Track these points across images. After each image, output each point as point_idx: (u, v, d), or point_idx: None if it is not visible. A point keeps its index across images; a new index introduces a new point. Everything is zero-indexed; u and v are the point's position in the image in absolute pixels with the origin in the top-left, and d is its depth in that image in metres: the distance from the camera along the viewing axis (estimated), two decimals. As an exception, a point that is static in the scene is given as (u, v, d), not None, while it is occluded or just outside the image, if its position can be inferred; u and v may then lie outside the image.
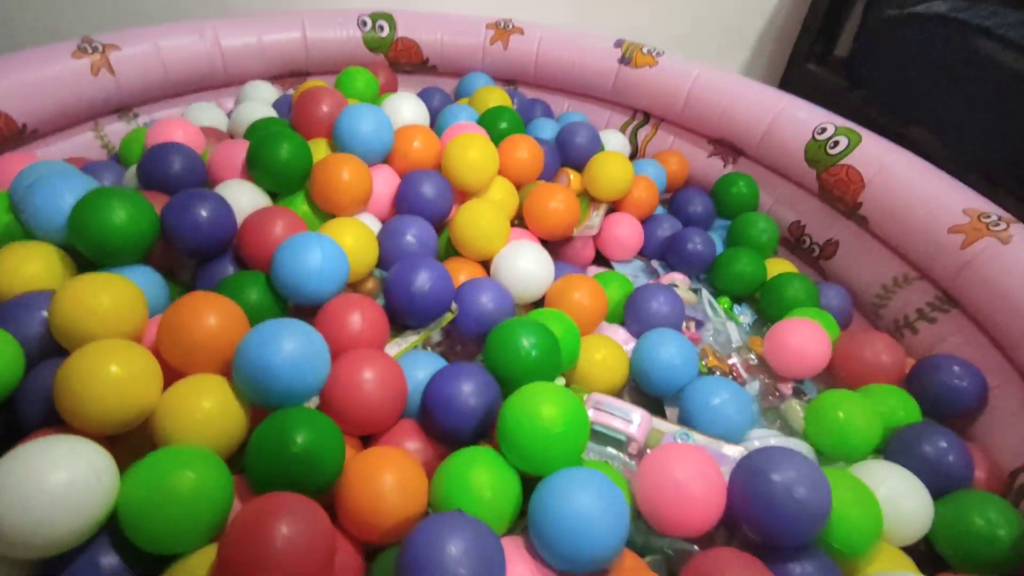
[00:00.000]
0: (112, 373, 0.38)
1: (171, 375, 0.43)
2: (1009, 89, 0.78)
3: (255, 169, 0.60)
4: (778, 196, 0.83)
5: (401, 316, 0.55)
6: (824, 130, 0.75)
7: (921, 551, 0.47)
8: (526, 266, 0.62)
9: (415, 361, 0.51)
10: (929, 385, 0.58)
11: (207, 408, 0.41)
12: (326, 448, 0.39)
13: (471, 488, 0.39)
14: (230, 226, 0.54)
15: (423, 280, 0.53)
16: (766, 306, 0.72)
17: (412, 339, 0.56)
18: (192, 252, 0.54)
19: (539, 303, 0.65)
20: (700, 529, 0.41)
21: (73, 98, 0.73)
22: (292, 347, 0.42)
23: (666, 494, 0.40)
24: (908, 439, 0.52)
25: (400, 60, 0.96)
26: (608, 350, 0.59)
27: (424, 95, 0.91)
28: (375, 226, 0.64)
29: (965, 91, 0.84)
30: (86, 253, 0.48)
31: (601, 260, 0.80)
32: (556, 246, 0.76)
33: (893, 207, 0.68)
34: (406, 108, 0.75)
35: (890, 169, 0.69)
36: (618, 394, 0.59)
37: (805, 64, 1.14)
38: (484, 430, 0.47)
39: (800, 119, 0.77)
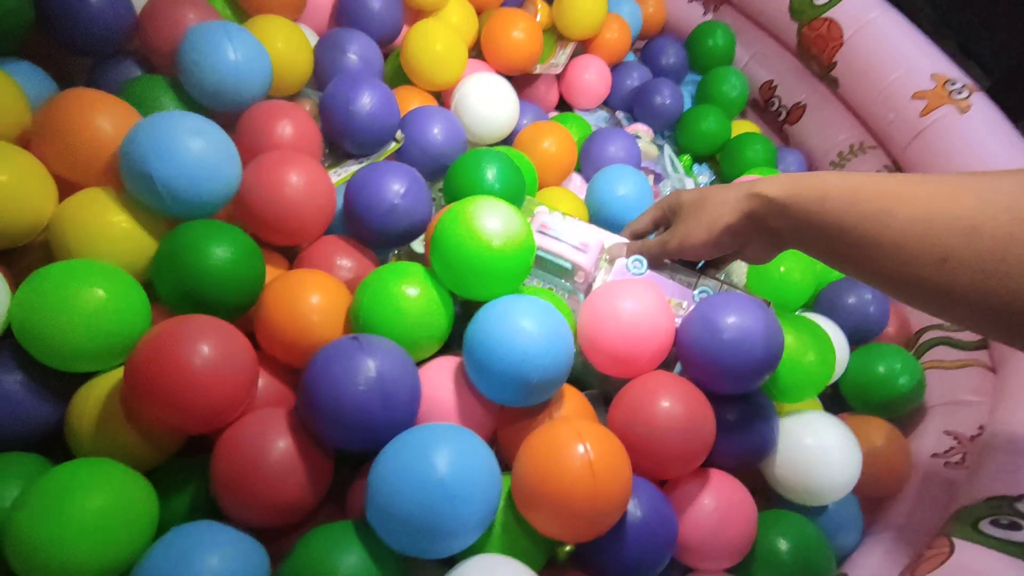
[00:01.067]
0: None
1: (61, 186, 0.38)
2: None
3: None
4: (754, 53, 0.79)
5: (339, 139, 0.50)
6: (814, -22, 0.70)
7: (827, 394, 0.51)
8: (489, 103, 0.57)
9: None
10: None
11: (114, 222, 0.36)
12: (244, 264, 0.36)
13: (395, 304, 0.36)
14: (123, 12, 0.45)
15: (365, 100, 0.48)
16: (726, 165, 0.72)
17: (352, 168, 0.52)
18: (78, 45, 0.45)
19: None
20: (640, 372, 0.38)
21: None
22: (193, 144, 0.36)
23: (608, 332, 0.38)
24: (835, 292, 0.55)
25: None
26: (569, 203, 0.57)
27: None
28: (311, 39, 0.57)
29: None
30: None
31: (564, 108, 0.76)
32: (519, 85, 0.71)
33: (866, 67, 0.66)
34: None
35: (871, 26, 0.66)
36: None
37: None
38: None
39: (791, -37, 0.71)
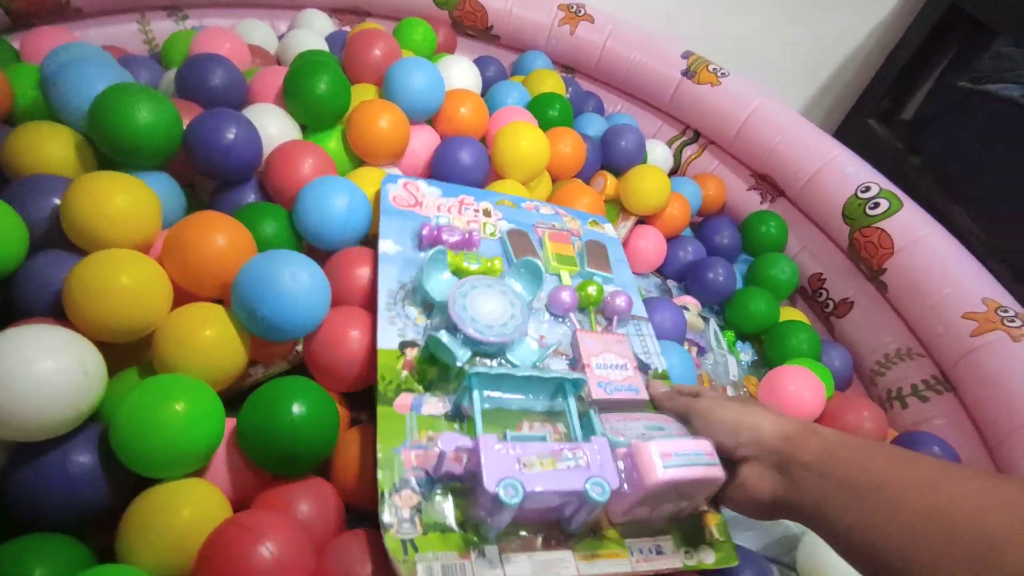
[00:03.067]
0: (122, 284, 0.38)
1: (177, 291, 0.43)
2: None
3: (290, 97, 0.59)
4: (806, 243, 0.82)
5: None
6: (868, 189, 0.74)
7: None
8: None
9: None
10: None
11: (209, 336, 0.41)
12: (321, 418, 0.40)
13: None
14: (254, 153, 0.53)
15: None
16: (769, 349, 0.72)
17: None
18: (210, 172, 0.53)
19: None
20: None
21: (124, -17, 0.71)
22: (300, 277, 0.42)
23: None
24: None
25: (464, 22, 0.93)
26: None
27: (480, 63, 0.89)
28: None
29: (1019, 180, 0.82)
30: (103, 148, 0.47)
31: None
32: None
33: (915, 280, 0.67)
34: (460, 72, 0.74)
35: (923, 243, 0.68)
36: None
37: (867, 118, 1.12)
38: None
39: (848, 172, 0.76)
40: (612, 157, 0.79)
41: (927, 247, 0.68)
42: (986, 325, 0.60)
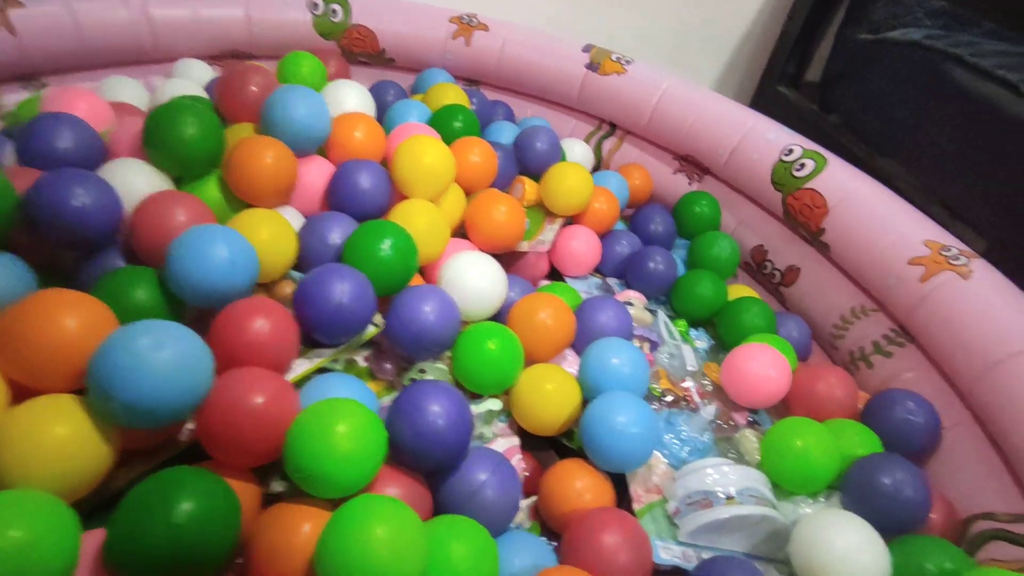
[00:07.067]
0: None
1: (18, 393, 0.36)
2: (981, 120, 0.76)
3: (152, 147, 0.53)
4: (742, 218, 0.80)
5: (313, 330, 0.48)
6: (791, 152, 0.72)
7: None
8: (477, 279, 0.56)
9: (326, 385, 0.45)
10: (884, 421, 0.55)
11: (59, 435, 0.34)
12: (214, 518, 0.33)
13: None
14: (111, 214, 0.46)
15: (338, 292, 0.47)
16: (723, 331, 0.69)
17: (325, 356, 0.49)
18: (62, 243, 0.46)
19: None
20: None
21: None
22: (163, 346, 0.35)
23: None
24: (867, 470, 0.48)
25: (354, 49, 0.89)
26: (560, 381, 0.53)
27: (378, 89, 0.85)
28: (297, 222, 0.58)
29: (936, 121, 0.82)
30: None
31: (555, 275, 0.75)
32: (508, 259, 0.71)
33: (854, 235, 0.65)
34: (349, 97, 0.69)
35: (854, 196, 0.67)
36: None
37: (777, 86, 1.12)
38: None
39: (770, 139, 0.74)
40: (528, 162, 0.76)
41: (859, 199, 0.66)
42: (933, 268, 0.59)
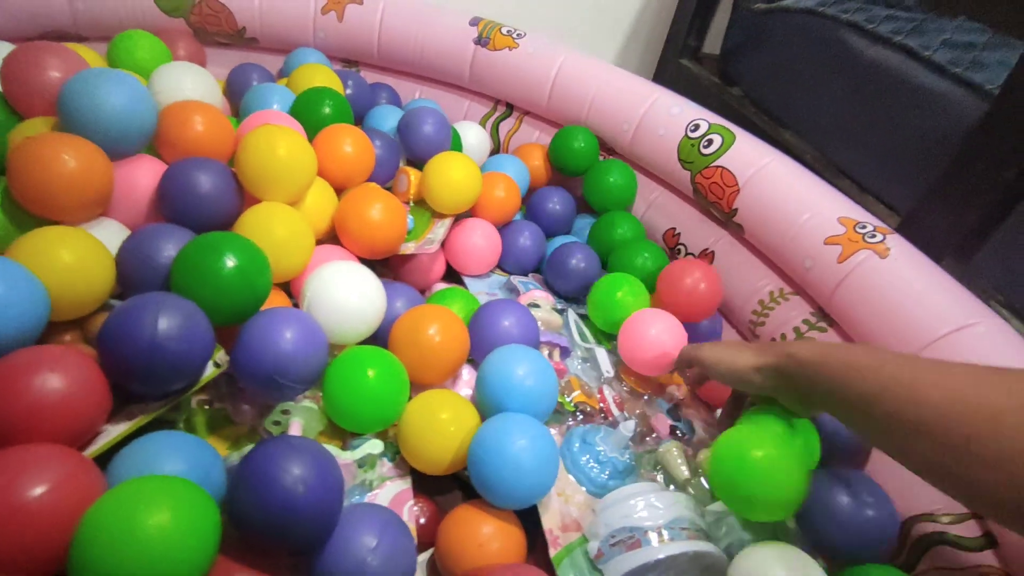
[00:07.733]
0: None
1: None
2: (878, 86, 0.74)
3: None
4: (652, 201, 0.74)
5: (124, 379, 0.37)
6: (697, 127, 0.67)
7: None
8: (345, 295, 0.47)
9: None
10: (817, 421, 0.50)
11: None
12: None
13: None
14: None
15: (155, 325, 0.36)
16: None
17: (152, 410, 0.38)
18: None
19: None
20: None
21: None
22: None
23: None
24: (826, 490, 0.42)
25: (207, 28, 0.76)
26: (454, 409, 0.45)
27: (238, 73, 0.73)
28: (116, 238, 0.46)
29: (836, 91, 0.80)
30: None
31: (453, 276, 0.67)
32: (398, 262, 0.62)
33: (768, 213, 0.61)
34: (185, 81, 0.57)
35: (765, 172, 0.62)
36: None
37: (679, 60, 1.08)
38: None
39: (674, 113, 0.69)
40: (416, 149, 0.66)
41: (770, 176, 0.62)
42: (850, 247, 0.55)
